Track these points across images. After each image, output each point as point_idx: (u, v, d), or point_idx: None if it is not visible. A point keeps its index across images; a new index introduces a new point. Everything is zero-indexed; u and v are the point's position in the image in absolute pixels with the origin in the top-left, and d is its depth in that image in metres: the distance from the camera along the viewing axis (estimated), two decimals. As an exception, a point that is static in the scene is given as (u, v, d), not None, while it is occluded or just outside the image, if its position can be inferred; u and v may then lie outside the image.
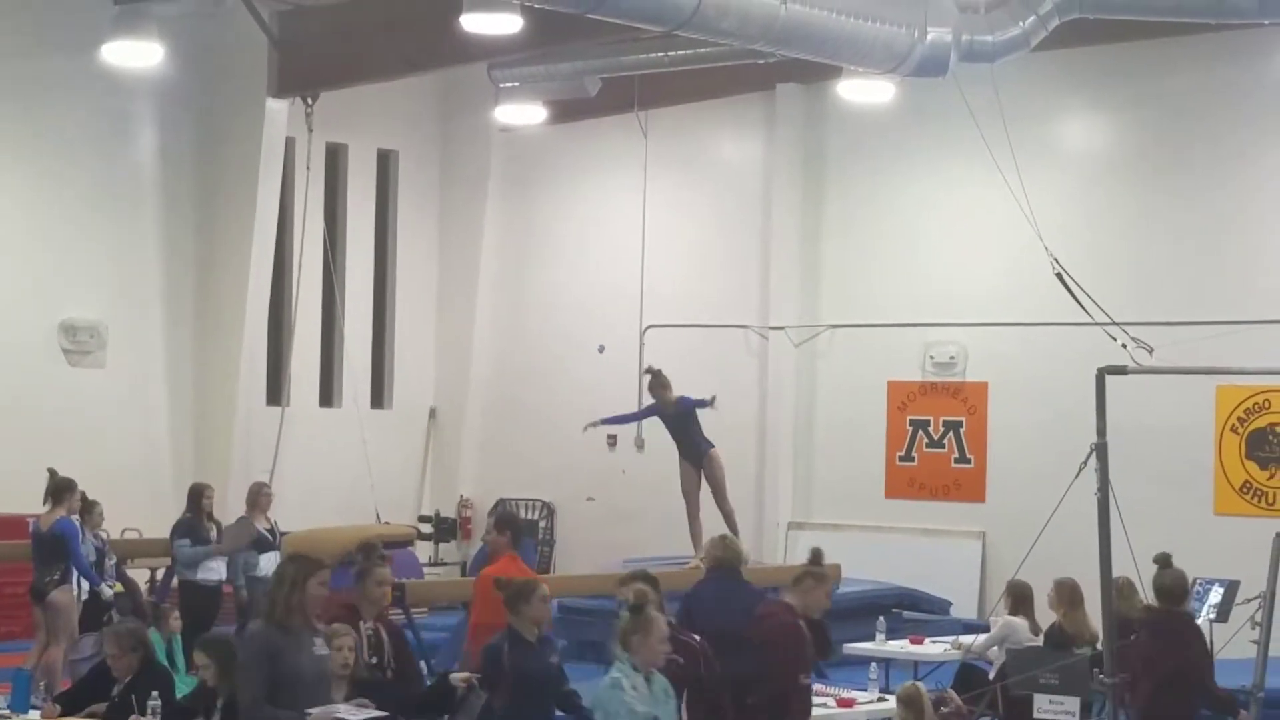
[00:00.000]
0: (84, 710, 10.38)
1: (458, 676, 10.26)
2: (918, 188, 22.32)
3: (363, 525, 21.00)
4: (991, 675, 13.83)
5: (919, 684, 11.73)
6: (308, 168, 22.95)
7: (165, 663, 11.41)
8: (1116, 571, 11.44)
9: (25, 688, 10.69)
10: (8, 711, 10.51)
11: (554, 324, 24.62)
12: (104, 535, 16.18)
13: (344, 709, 9.14)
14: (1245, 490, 20.13)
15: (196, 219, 22.48)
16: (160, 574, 18.28)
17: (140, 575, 17.81)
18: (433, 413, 25.35)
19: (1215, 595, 15.20)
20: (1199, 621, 14.96)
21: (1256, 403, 20.11)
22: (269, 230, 22.44)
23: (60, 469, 16.11)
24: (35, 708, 10.74)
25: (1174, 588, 11.73)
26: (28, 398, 20.55)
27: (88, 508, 15.75)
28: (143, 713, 9.83)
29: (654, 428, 23.69)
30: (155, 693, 9.88)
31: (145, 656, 10.49)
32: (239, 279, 22.18)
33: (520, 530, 12.98)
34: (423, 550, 23.60)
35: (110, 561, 15.97)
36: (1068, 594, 13.86)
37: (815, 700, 12.07)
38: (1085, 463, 10.71)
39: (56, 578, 15.10)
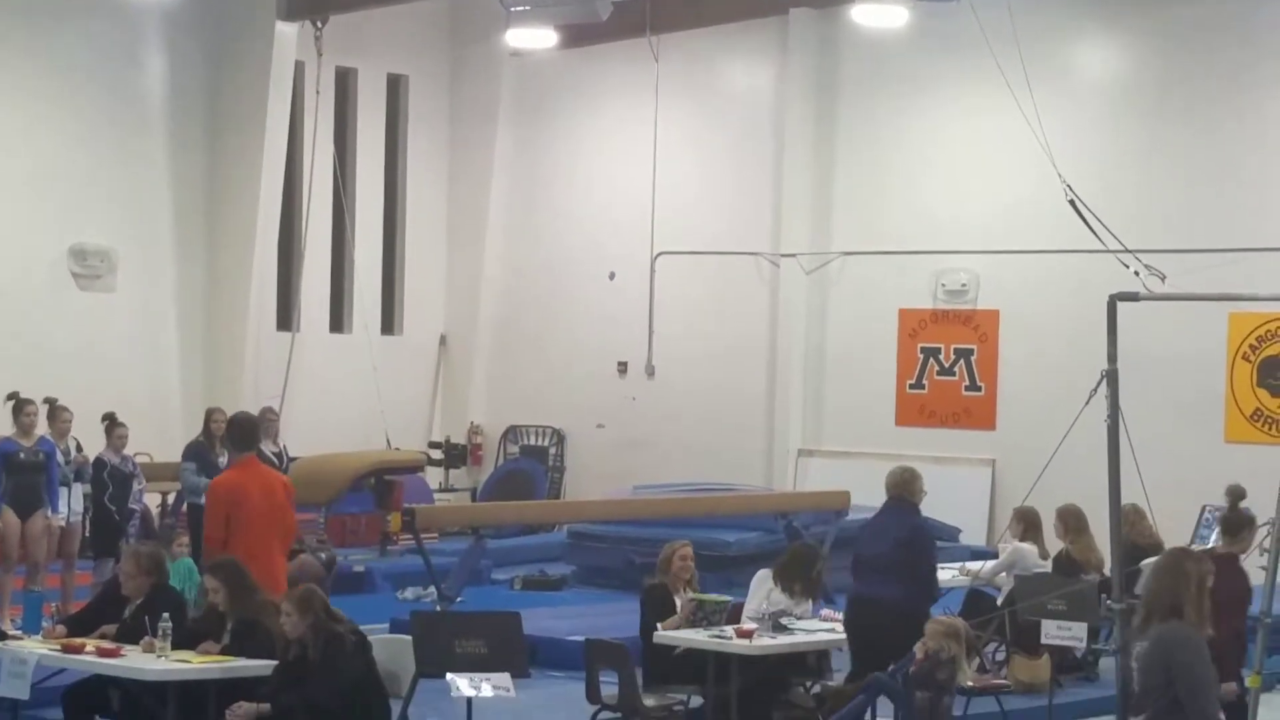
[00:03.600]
0: (95, 630, 10.41)
1: None
2: (931, 114, 22.21)
3: (372, 451, 21.09)
4: (999, 601, 13.85)
5: (956, 618, 11.68)
6: (317, 92, 22.90)
7: (175, 586, 11.42)
8: (1126, 498, 11.44)
9: (37, 610, 10.73)
10: (20, 633, 10.56)
11: (565, 250, 24.57)
12: (129, 457, 16.09)
13: None
14: (1256, 418, 20.11)
15: (206, 143, 22.42)
16: (171, 498, 18.32)
17: (152, 499, 17.82)
18: (443, 339, 25.34)
19: (1224, 522, 15.21)
20: (1208, 547, 15.01)
21: (1269, 330, 20.07)
22: (278, 155, 22.39)
23: (70, 393, 16.11)
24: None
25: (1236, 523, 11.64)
26: (38, 322, 20.54)
27: (111, 427, 15.71)
28: (153, 634, 9.86)
29: (667, 354, 23.76)
30: (166, 614, 9.91)
31: (159, 580, 10.52)
32: (249, 203, 22.14)
33: (247, 433, 11.84)
34: (433, 476, 23.64)
35: (139, 487, 15.94)
36: (1072, 521, 13.89)
37: (822, 626, 12.11)
38: (1095, 389, 10.70)
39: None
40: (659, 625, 11.71)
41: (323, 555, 14.66)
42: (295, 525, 11.65)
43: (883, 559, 11.73)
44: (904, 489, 12.15)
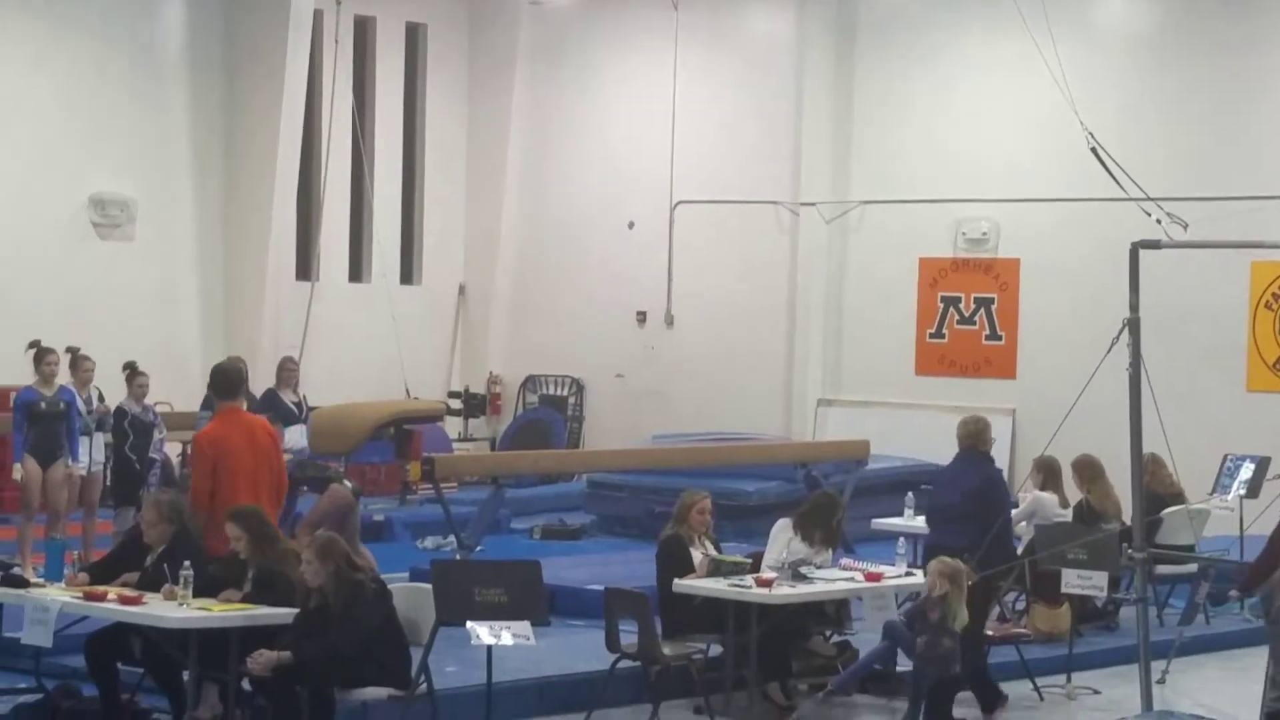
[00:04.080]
0: (116, 578, 10.44)
1: None
2: (951, 61, 22.10)
3: (392, 401, 21.11)
4: (1020, 550, 13.84)
5: (958, 560, 11.73)
6: (335, 40, 22.85)
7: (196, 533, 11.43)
8: (1148, 447, 11.44)
9: (59, 558, 10.76)
10: (42, 581, 10.59)
11: (583, 199, 24.51)
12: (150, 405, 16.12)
13: None
14: (1278, 367, 20.04)
15: (225, 93, 22.38)
16: (191, 448, 18.31)
17: (172, 448, 17.85)
18: (462, 289, 25.33)
19: (1246, 471, 15.24)
20: (1230, 497, 15.02)
21: (1291, 278, 20.00)
22: (297, 104, 22.34)
23: (90, 343, 16.12)
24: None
25: None
26: (59, 272, 20.56)
27: (132, 376, 15.75)
28: (175, 582, 9.88)
29: (686, 303, 23.73)
30: (187, 562, 9.93)
31: (180, 528, 10.54)
32: (268, 153, 22.10)
33: (232, 382, 11.65)
34: (452, 426, 23.66)
35: (160, 436, 15.97)
36: (1086, 471, 13.89)
37: (842, 575, 12.11)
38: (1117, 338, 10.67)
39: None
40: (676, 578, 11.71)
41: (348, 483, 14.70)
42: (283, 469, 11.57)
43: (955, 508, 11.81)
44: (976, 439, 12.21)
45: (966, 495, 11.78)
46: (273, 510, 11.07)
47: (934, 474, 12.72)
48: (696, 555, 11.88)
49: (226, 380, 11.54)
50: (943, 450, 20.31)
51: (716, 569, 11.72)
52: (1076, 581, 12.27)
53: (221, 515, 10.50)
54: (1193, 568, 13.56)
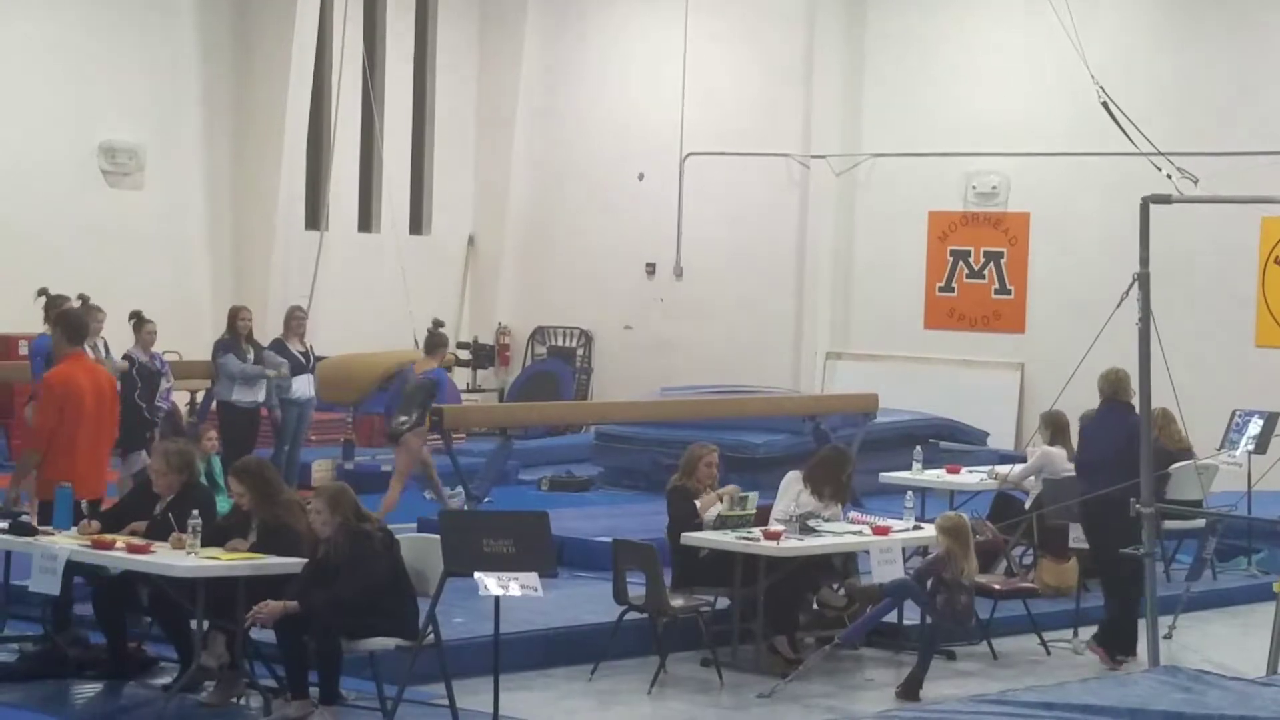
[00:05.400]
0: (125, 527, 10.47)
1: None
2: (963, 15, 22.02)
3: (400, 351, 21.09)
4: (1027, 505, 13.86)
5: (961, 514, 11.77)
6: (346, -13, 22.79)
7: (204, 483, 11.46)
8: (1156, 403, 11.42)
9: (67, 505, 10.77)
10: (51, 528, 10.60)
11: (593, 150, 24.46)
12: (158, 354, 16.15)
13: None
14: (1287, 323, 20.03)
15: (234, 40, 22.34)
16: (200, 396, 18.38)
17: (180, 397, 17.88)
18: (471, 239, 25.31)
19: (1255, 427, 15.21)
20: (1238, 453, 15.01)
21: (1301, 235, 19.95)
22: (307, 52, 22.30)
23: (99, 290, 16.13)
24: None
25: None
26: (67, 219, 20.57)
27: (140, 325, 15.77)
28: (183, 531, 9.91)
29: (695, 255, 23.69)
30: (195, 511, 9.95)
31: (189, 478, 10.55)
32: (277, 102, 22.08)
33: (77, 328, 11.69)
34: (460, 377, 23.67)
35: (167, 385, 15.99)
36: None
37: (850, 529, 12.13)
38: (1127, 293, 10.65)
39: None
40: (698, 520, 11.73)
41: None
42: (117, 423, 11.94)
43: (1109, 461, 11.84)
44: (1118, 388, 12.20)
45: (1119, 446, 11.83)
46: (106, 455, 11.57)
47: (1082, 427, 12.84)
48: (710, 511, 11.87)
49: (73, 326, 11.69)
50: (952, 403, 20.60)
51: (724, 524, 11.74)
52: (1084, 536, 12.30)
53: (58, 452, 10.90)
54: (1200, 523, 13.56)
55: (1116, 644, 11.94)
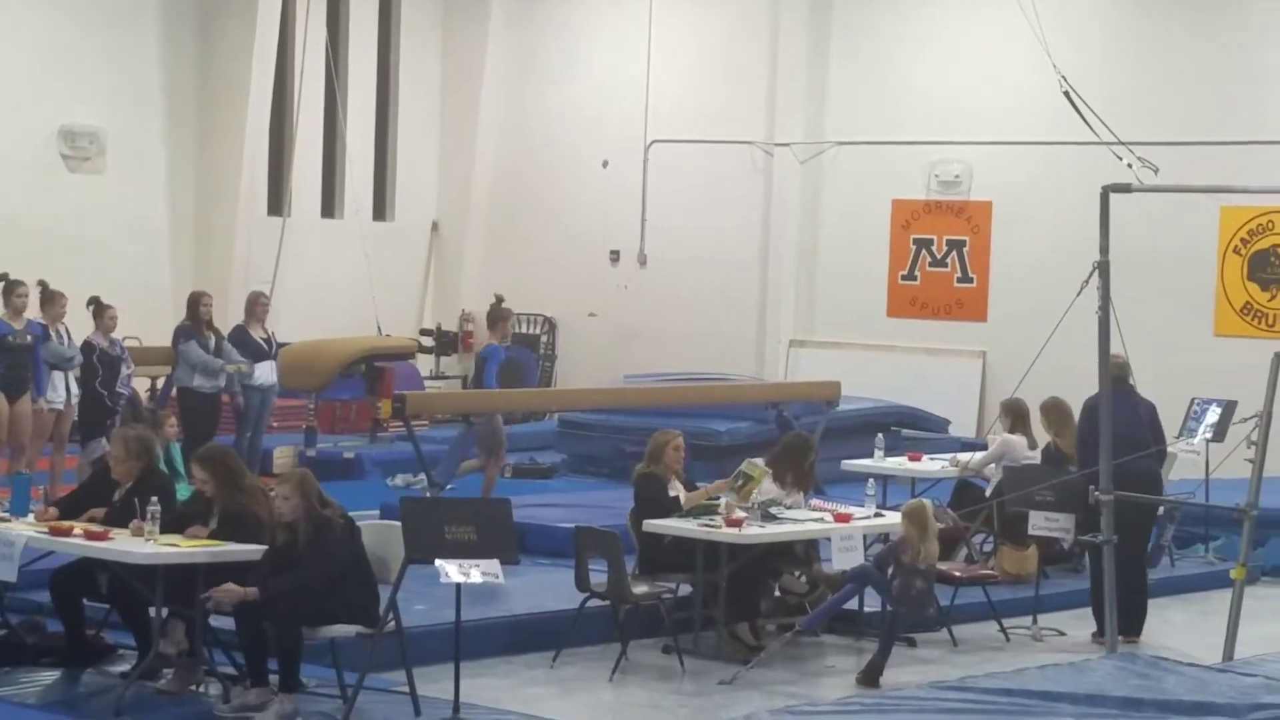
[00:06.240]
0: (83, 514, 10.42)
1: None
2: (927, 3, 22.06)
3: (363, 337, 21.07)
4: (988, 492, 13.91)
5: (925, 500, 11.80)
6: (310, -29, 22.70)
7: (164, 469, 11.41)
8: (1115, 391, 11.47)
9: (24, 492, 10.73)
10: (8, 515, 10.56)
11: (558, 137, 24.44)
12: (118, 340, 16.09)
13: None
14: (1246, 311, 20.13)
15: (198, 23, 22.24)
16: (160, 382, 18.32)
17: (140, 383, 17.83)
18: (435, 226, 25.27)
19: (1213, 415, 15.28)
20: (1196, 441, 15.08)
21: (1260, 224, 20.04)
22: (271, 35, 22.23)
23: (59, 276, 16.06)
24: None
25: None
26: (28, 204, 20.45)
27: (100, 311, 15.72)
28: (143, 517, 9.87)
29: (659, 243, 23.70)
30: (155, 498, 9.92)
31: (148, 464, 10.51)
32: (240, 85, 22.00)
33: None
34: (424, 363, 23.65)
35: (127, 371, 15.93)
36: (1054, 415, 13.90)
37: (812, 515, 12.15)
38: (1087, 281, 10.70)
39: None
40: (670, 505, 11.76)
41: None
42: None
43: (1140, 440, 12.08)
44: (1125, 372, 12.30)
45: (1143, 424, 12.04)
46: None
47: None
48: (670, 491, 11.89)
49: None
50: (914, 391, 20.66)
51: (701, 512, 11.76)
52: (1043, 523, 12.35)
53: None
54: (1159, 510, 13.62)
55: (1123, 624, 11.96)
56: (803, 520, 12.00)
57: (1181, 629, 13.14)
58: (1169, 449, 14.66)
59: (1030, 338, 13.73)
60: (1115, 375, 12.29)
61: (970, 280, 21.95)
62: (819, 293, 23.00)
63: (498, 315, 17.30)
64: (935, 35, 21.98)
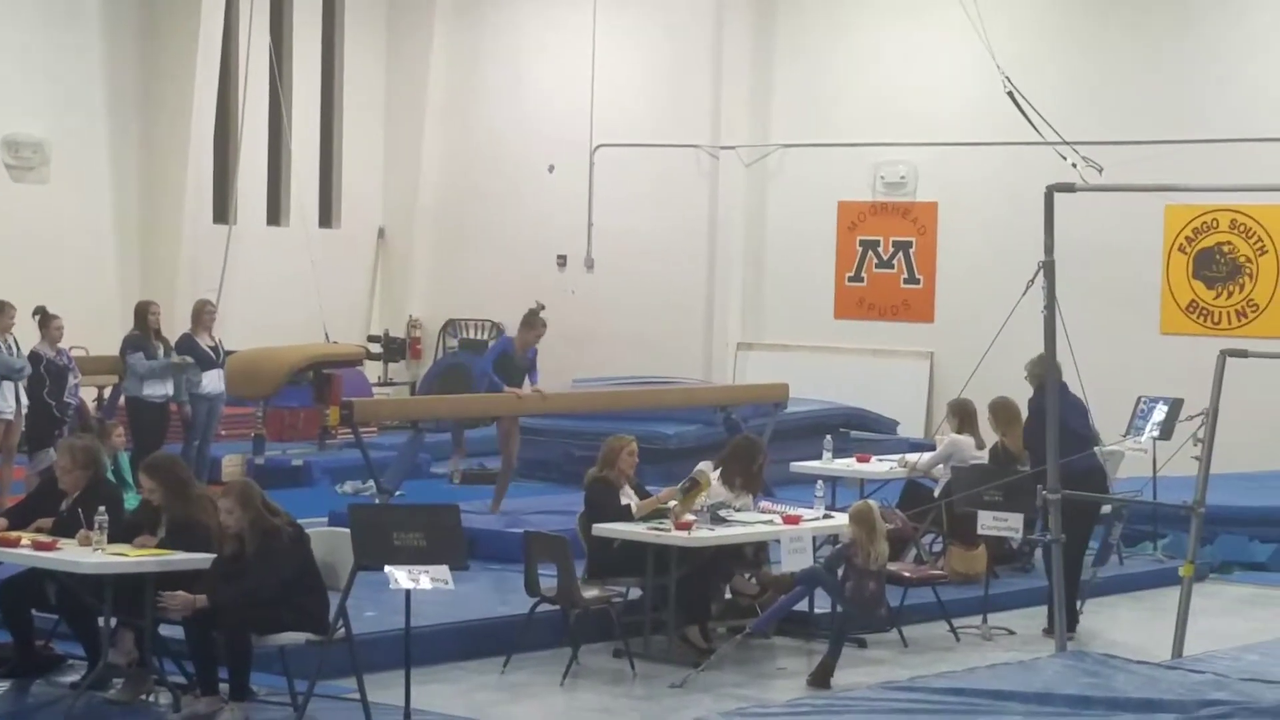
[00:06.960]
0: (31, 524, 10.36)
1: None
2: (871, 6, 22.12)
3: (310, 345, 21.00)
4: (936, 493, 13.95)
5: (871, 501, 11.84)
6: (253, -20, 22.62)
7: (111, 479, 11.35)
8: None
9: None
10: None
11: (503, 143, 24.41)
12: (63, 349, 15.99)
13: None
14: (1191, 309, 20.24)
15: (140, 32, 22.13)
16: (108, 391, 18.23)
17: (88, 393, 17.73)
18: (381, 232, 25.21)
19: (1159, 413, 15.37)
20: (1143, 439, 15.15)
21: (1205, 222, 20.16)
22: (214, 44, 22.14)
23: (6, 286, 15.96)
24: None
25: None
26: (-30, 215, 20.34)
27: (46, 321, 15.63)
28: (90, 528, 9.82)
29: (606, 247, 23.69)
30: (103, 508, 9.87)
31: (95, 474, 10.46)
32: (184, 94, 21.91)
33: None
34: (371, 370, 23.59)
35: (75, 380, 15.83)
36: (1002, 414, 13.94)
37: (760, 518, 12.16)
38: (1032, 281, 10.74)
39: None
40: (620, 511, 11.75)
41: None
42: None
43: (1090, 436, 12.39)
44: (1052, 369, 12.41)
45: (1089, 420, 12.28)
46: None
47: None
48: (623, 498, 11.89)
49: None
50: (862, 392, 20.69)
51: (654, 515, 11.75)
52: (992, 523, 12.39)
53: None
54: (1106, 509, 13.70)
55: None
56: (752, 523, 12.02)
57: (1130, 626, 13.22)
58: (1115, 447, 14.76)
59: (977, 338, 13.80)
60: (1039, 370, 12.37)
61: (917, 281, 22.02)
62: (766, 295, 23.04)
63: (528, 320, 17.10)
64: (879, 37, 22.04)
